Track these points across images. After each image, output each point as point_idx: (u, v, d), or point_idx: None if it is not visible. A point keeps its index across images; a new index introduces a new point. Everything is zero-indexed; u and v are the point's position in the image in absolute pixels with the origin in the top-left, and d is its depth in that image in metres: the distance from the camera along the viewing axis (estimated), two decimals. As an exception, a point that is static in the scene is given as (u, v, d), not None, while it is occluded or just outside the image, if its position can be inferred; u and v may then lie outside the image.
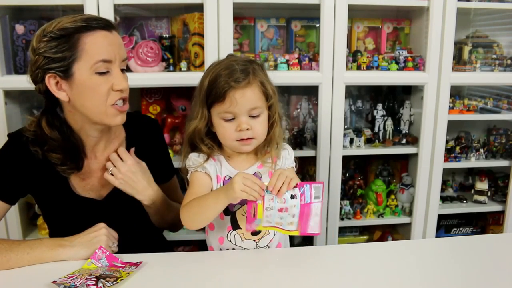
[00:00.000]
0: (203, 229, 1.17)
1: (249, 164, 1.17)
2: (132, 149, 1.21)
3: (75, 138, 1.15)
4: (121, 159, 1.17)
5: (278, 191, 1.00)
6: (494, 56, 2.03)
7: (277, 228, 1.03)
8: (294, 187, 1.02)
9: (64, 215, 1.21)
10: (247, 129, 1.08)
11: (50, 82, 1.06)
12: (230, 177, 1.14)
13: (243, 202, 1.14)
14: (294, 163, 1.21)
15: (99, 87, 1.07)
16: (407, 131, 2.06)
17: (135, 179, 1.17)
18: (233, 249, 1.15)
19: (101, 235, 1.09)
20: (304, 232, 1.02)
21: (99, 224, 1.11)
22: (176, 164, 1.40)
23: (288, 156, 1.20)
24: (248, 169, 1.16)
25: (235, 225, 1.14)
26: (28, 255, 1.04)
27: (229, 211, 1.14)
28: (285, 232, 1.03)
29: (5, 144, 1.17)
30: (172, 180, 1.37)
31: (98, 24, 1.06)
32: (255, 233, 1.14)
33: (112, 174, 1.17)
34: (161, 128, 1.37)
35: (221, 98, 1.07)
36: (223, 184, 1.14)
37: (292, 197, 1.01)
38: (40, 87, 1.09)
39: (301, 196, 1.02)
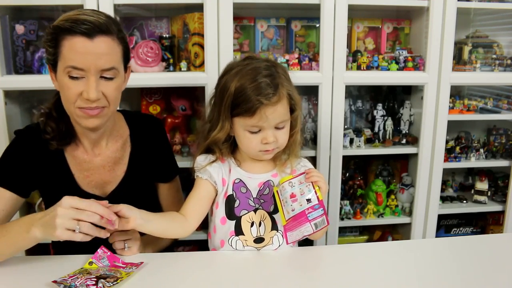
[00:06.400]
0: (204, 230, 1.17)
1: (263, 170, 1.16)
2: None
3: (69, 123, 1.18)
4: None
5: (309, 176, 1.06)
6: (494, 56, 2.03)
7: (280, 203, 1.06)
8: (317, 202, 1.04)
9: None
10: (274, 141, 1.09)
11: (50, 70, 1.12)
12: (240, 180, 1.14)
13: (250, 209, 1.14)
14: None
15: (68, 90, 1.07)
16: (407, 131, 2.06)
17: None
18: None
19: (56, 217, 0.96)
20: (286, 230, 1.05)
21: (62, 200, 0.99)
22: (179, 164, 1.40)
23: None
24: (262, 175, 1.16)
25: (238, 231, 1.13)
26: (3, 238, 1.03)
27: (234, 215, 1.13)
28: (280, 211, 1.06)
29: (13, 139, 1.21)
30: (174, 180, 1.37)
31: (81, 29, 1.03)
32: (258, 240, 1.14)
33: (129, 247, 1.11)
34: (164, 128, 1.38)
35: (251, 114, 1.05)
36: (232, 188, 1.14)
37: (308, 200, 1.04)
38: None
39: (311, 208, 1.04)
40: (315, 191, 1.05)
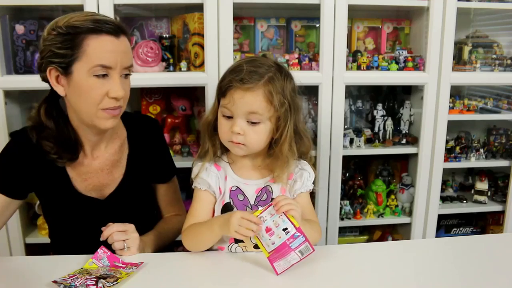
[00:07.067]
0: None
1: (260, 175, 1.14)
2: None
3: (69, 131, 1.16)
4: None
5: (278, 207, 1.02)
6: (494, 56, 2.03)
7: (257, 238, 1.02)
8: (295, 231, 1.00)
9: (65, 214, 1.21)
10: (239, 133, 1.05)
11: (51, 74, 1.08)
12: (237, 187, 1.12)
13: None
14: (312, 185, 1.17)
15: (94, 91, 1.06)
16: (407, 131, 2.06)
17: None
18: None
19: None
20: (272, 262, 0.99)
21: None
22: (177, 164, 1.40)
23: (309, 178, 1.15)
24: (259, 180, 1.14)
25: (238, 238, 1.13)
26: None
27: None
28: (260, 244, 1.02)
29: (9, 142, 1.19)
30: (172, 181, 1.37)
31: (107, 28, 1.05)
32: (257, 247, 1.12)
33: (128, 247, 1.11)
34: (161, 129, 1.38)
35: (223, 92, 1.07)
36: (229, 196, 1.12)
37: (284, 230, 1.00)
38: (44, 76, 1.11)
39: (291, 237, 0.99)
40: (290, 220, 1.00)
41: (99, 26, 1.05)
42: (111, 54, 1.06)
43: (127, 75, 1.13)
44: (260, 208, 1.04)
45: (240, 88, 1.03)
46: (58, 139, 1.14)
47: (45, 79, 1.11)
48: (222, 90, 1.07)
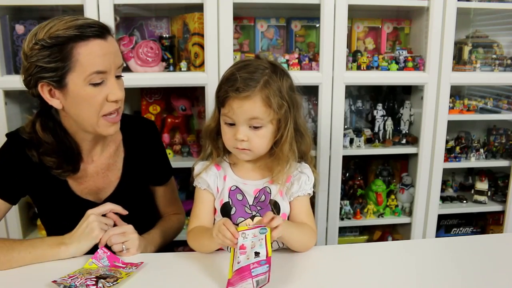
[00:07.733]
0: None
1: (259, 176, 1.14)
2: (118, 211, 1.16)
3: (69, 141, 1.14)
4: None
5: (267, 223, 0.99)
6: (494, 56, 2.03)
7: (233, 253, 0.98)
8: (264, 258, 0.94)
9: (62, 217, 1.20)
10: (243, 140, 1.06)
11: (43, 90, 1.05)
12: (236, 187, 1.13)
13: (246, 216, 1.12)
14: (312, 189, 1.16)
15: (93, 99, 1.04)
16: (407, 131, 2.06)
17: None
18: None
19: (91, 222, 1.07)
20: (228, 286, 0.94)
21: (87, 212, 1.10)
22: (175, 165, 1.40)
23: (308, 182, 1.14)
24: (258, 181, 1.14)
25: None
26: (30, 254, 1.04)
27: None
28: (230, 263, 0.97)
29: (4, 144, 1.17)
30: (169, 183, 1.36)
31: (93, 32, 1.01)
32: None
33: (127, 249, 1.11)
34: (158, 130, 1.36)
35: (221, 102, 1.07)
36: (229, 196, 1.12)
37: (256, 254, 0.95)
38: (34, 92, 1.07)
39: (257, 263, 0.94)
40: (267, 247, 0.96)
41: (84, 31, 1.00)
42: (104, 58, 1.03)
43: (119, 77, 1.10)
44: (246, 225, 1.02)
45: (237, 97, 1.03)
46: (59, 151, 1.13)
47: (35, 95, 1.07)
48: (220, 100, 1.07)
